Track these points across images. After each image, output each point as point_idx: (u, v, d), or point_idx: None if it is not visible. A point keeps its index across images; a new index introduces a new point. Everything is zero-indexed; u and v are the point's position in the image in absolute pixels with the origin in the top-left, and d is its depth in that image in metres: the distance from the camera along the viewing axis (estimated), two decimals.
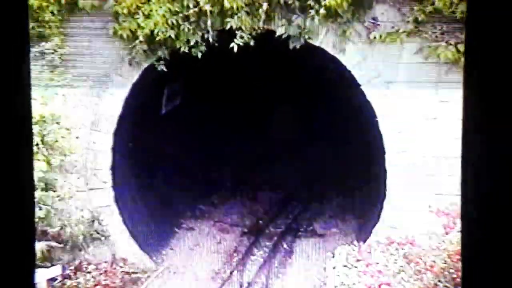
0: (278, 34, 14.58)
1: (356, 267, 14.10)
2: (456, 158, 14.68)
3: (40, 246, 13.04)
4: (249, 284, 15.26)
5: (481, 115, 1.86)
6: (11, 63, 1.84)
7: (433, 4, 14.11)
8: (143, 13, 14.42)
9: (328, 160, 22.64)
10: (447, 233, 14.23)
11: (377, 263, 13.98)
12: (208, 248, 17.31)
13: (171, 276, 15.63)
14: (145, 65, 14.97)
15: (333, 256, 14.63)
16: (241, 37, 14.30)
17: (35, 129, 12.98)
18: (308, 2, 14.30)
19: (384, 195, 14.97)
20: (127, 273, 14.78)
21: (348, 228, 18.01)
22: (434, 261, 13.35)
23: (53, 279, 13.54)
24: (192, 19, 14.50)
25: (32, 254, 1.96)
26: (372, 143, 16.18)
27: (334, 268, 14.31)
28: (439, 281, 12.77)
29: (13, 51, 1.85)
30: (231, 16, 14.39)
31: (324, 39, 14.72)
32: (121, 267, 14.89)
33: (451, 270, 12.82)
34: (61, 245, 14.30)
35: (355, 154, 20.60)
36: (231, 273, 15.80)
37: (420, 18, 14.27)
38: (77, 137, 14.85)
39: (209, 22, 14.49)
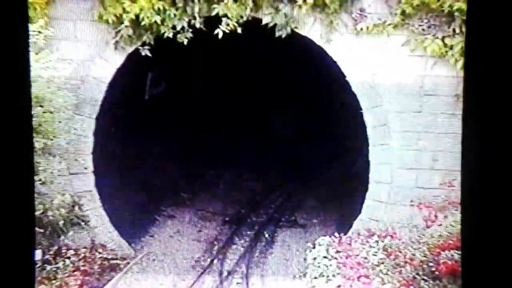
0: (264, 22, 14.52)
1: (336, 258, 14.09)
2: (438, 151, 14.71)
3: None
4: (229, 272, 15.22)
5: (481, 114, 1.84)
6: (11, 61, 1.83)
7: None
8: None
9: (311, 151, 22.62)
10: (428, 226, 14.28)
11: (357, 255, 13.99)
12: (189, 236, 17.25)
13: (150, 263, 15.56)
14: (130, 49, 14.84)
15: (314, 247, 14.60)
16: (227, 24, 14.22)
17: None
18: None
19: (365, 187, 14.96)
20: (106, 259, 14.69)
21: (329, 219, 18.01)
22: (414, 254, 13.39)
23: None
24: (179, 4, 14.41)
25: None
26: (356, 135, 16.15)
27: (314, 259, 14.28)
28: (418, 274, 12.80)
29: (14, 49, 1.84)
30: (218, 3, 14.31)
31: (311, 29, 14.66)
32: (100, 253, 14.78)
33: (431, 264, 12.86)
34: (42, 230, 14.19)
35: (339, 146, 20.59)
36: (211, 261, 15.76)
37: (407, 11, 14.25)
38: (59, 121, 14.70)
39: (196, 9, 14.39)
